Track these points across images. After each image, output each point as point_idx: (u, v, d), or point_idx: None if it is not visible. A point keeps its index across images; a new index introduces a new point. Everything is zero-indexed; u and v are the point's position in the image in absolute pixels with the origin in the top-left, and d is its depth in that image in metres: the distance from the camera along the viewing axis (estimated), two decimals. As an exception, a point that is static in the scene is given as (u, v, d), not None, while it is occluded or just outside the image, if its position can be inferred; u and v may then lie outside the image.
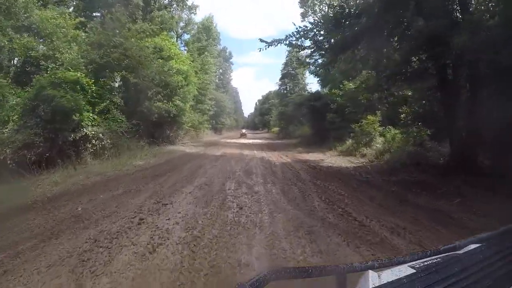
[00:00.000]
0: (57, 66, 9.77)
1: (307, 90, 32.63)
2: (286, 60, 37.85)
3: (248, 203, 4.56)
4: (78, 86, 8.38)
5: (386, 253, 2.98)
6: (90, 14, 17.78)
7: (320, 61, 12.72)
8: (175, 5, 21.89)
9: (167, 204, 4.59)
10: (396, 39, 6.58)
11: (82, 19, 12.57)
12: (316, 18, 7.38)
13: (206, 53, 27.43)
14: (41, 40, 11.49)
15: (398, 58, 7.68)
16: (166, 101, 14.52)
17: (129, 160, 9.75)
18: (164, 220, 3.87)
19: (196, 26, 28.17)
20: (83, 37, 11.52)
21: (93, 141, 9.14)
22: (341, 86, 15.22)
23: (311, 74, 22.71)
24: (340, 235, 3.47)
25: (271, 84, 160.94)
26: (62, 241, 3.54)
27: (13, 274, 2.67)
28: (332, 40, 6.38)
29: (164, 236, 3.30)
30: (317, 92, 21.25)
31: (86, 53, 10.88)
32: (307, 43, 6.57)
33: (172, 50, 16.12)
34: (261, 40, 6.53)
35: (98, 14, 16.54)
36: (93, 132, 9.06)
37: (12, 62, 11.70)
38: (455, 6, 6.03)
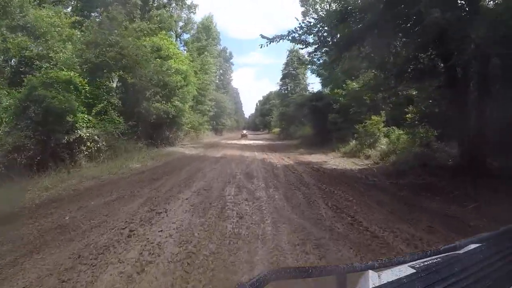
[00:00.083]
0: (51, 66, 9.45)
1: (308, 90, 32.27)
2: (287, 60, 37.52)
3: (249, 211, 4.20)
4: (71, 86, 8.04)
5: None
6: (88, 14, 17.55)
7: (322, 60, 12.42)
8: (174, 4, 21.59)
9: (161, 212, 4.24)
10: (403, 34, 6.20)
11: (78, 17, 12.25)
12: (317, 17, 6.95)
13: (206, 53, 27.11)
14: (37, 39, 11.21)
15: (405, 55, 7.36)
16: (164, 102, 14.19)
17: (126, 162, 9.40)
18: (156, 232, 3.51)
19: (195, 26, 27.87)
20: (78, 36, 11.18)
21: (88, 143, 8.80)
22: (344, 85, 14.84)
23: (313, 73, 22.34)
24: (351, 248, 3.12)
25: (271, 84, 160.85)
26: (44, 255, 3.21)
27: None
28: (338, 35, 6.02)
29: (155, 252, 2.94)
30: (319, 92, 20.88)
31: (81, 52, 10.55)
32: (311, 39, 6.24)
33: (171, 50, 15.78)
34: (262, 36, 6.18)
35: (97, 13, 16.22)
36: (87, 134, 8.72)
37: (9, 62, 11.43)
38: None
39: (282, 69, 38.38)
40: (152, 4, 18.79)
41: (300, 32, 6.22)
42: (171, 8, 21.24)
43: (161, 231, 3.51)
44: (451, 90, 7.57)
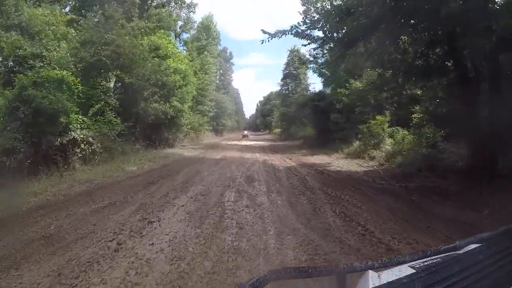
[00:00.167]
0: (44, 65, 9.12)
1: (309, 90, 31.89)
2: (288, 59, 37.13)
3: (250, 220, 3.83)
4: (64, 86, 7.69)
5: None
6: (86, 13, 17.23)
7: (325, 57, 12.04)
8: (173, 3, 21.26)
9: (153, 221, 3.87)
10: (413, 30, 5.84)
11: (74, 16, 11.93)
12: (323, 11, 6.58)
13: (205, 52, 26.76)
14: (32, 38, 10.90)
15: (413, 51, 7.00)
16: (163, 102, 13.83)
17: (122, 165, 9.05)
18: (146, 245, 3.15)
19: (195, 25, 27.54)
20: (73, 34, 10.84)
21: (82, 146, 8.45)
22: (347, 85, 14.47)
23: (315, 72, 21.96)
24: (366, 265, 2.73)
25: (272, 85, 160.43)
26: (22, 272, 2.87)
27: None
28: (343, 31, 5.66)
29: (143, 271, 2.58)
30: (321, 92, 20.51)
31: (76, 51, 10.22)
32: (315, 34, 5.88)
33: (169, 49, 15.42)
34: (264, 31, 5.84)
35: (93, 13, 15.87)
36: (81, 136, 8.37)
37: (3, 62, 11.12)
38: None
39: (282, 69, 38.00)
40: (150, 3, 18.45)
41: (303, 28, 5.87)
42: (170, 7, 20.91)
43: (152, 244, 3.14)
44: (461, 88, 7.24)
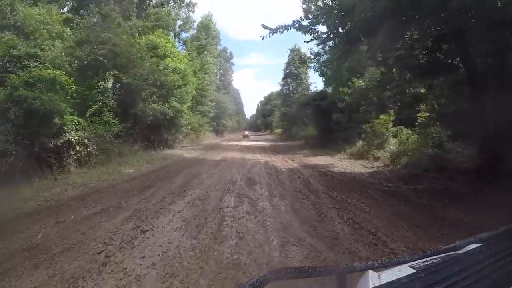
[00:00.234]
0: (38, 65, 8.84)
1: (310, 89, 31.57)
2: (288, 59, 36.83)
3: (251, 229, 3.53)
4: (57, 86, 7.40)
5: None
6: (83, 13, 16.98)
7: (326, 56, 11.74)
8: (172, 3, 20.98)
9: (147, 230, 3.58)
10: (422, 24, 5.53)
11: (70, 15, 11.66)
12: (322, 10, 6.27)
13: (205, 52, 26.48)
14: (28, 38, 10.65)
15: (420, 48, 6.71)
16: (161, 102, 13.53)
17: (119, 167, 8.76)
18: (137, 258, 2.86)
19: (195, 25, 27.25)
20: (69, 33, 10.56)
21: (77, 148, 8.17)
22: (349, 83, 14.17)
23: (316, 71, 21.62)
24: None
25: (272, 85, 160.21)
26: (0, 289, 2.59)
27: None
28: (348, 25, 5.36)
29: (130, 291, 2.29)
30: (323, 91, 20.20)
31: (72, 50, 9.94)
32: (318, 29, 5.58)
33: (168, 48, 15.13)
34: (264, 27, 5.52)
35: (88, 12, 15.60)
36: (76, 138, 8.09)
37: (2, 62, 10.87)
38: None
39: (283, 68, 37.70)
40: (149, 2, 18.18)
41: (306, 23, 5.57)
42: (169, 7, 20.62)
43: (143, 257, 2.85)
44: (469, 86, 6.96)
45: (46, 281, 2.66)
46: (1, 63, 10.40)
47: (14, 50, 9.79)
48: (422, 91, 9.61)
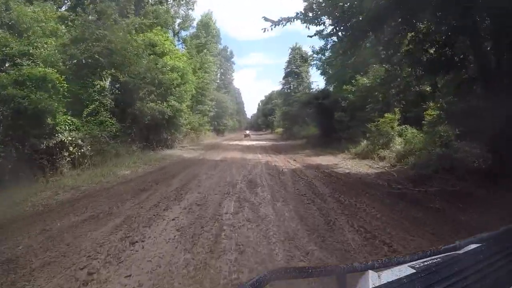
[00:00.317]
0: (30, 64, 8.50)
1: (311, 88, 31.15)
2: (289, 57, 36.43)
3: (253, 240, 3.17)
4: (49, 85, 7.05)
5: None
6: (81, 11, 16.64)
7: (330, 51, 11.33)
8: (171, 0, 20.59)
9: (136, 242, 3.23)
10: (436, 14, 5.15)
11: (64, 12, 11.31)
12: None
13: (205, 50, 26.10)
14: (22, 36, 10.32)
15: (431, 42, 6.33)
16: (160, 101, 13.16)
17: (114, 169, 8.42)
18: (122, 276, 2.50)
19: (194, 23, 26.85)
20: (63, 31, 10.21)
21: (71, 148, 7.83)
22: (353, 81, 13.78)
23: (318, 69, 21.19)
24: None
25: (273, 84, 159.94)
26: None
27: None
28: (356, 16, 4.98)
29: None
30: (325, 89, 19.81)
31: (66, 48, 9.59)
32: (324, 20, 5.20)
33: (166, 46, 14.76)
34: (266, 19, 5.15)
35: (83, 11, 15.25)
36: (69, 138, 7.75)
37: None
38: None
39: (284, 67, 37.30)
40: (147, 0, 17.81)
41: (311, 15, 5.19)
42: (167, 4, 20.23)
43: (129, 276, 2.49)
44: (483, 82, 6.60)
45: (18, 304, 2.32)
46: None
47: (7, 49, 9.47)
48: (428, 89, 9.25)
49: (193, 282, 2.33)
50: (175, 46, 18.43)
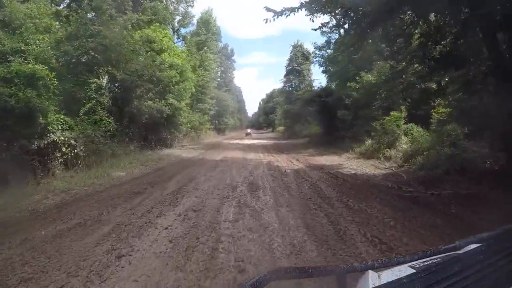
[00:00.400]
0: (23, 61, 8.15)
1: (313, 86, 30.70)
2: (291, 55, 35.98)
3: (254, 255, 2.80)
4: (39, 82, 6.70)
5: None
6: (78, 8, 16.30)
7: (331, 48, 10.92)
8: (170, -3, 20.21)
9: (123, 255, 2.87)
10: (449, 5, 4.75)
11: (58, 8, 10.95)
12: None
13: (205, 48, 25.68)
14: (15, 32, 9.99)
15: (443, 35, 5.94)
16: (158, 100, 12.79)
17: (109, 170, 8.08)
18: (103, 301, 2.15)
19: (194, 20, 26.41)
20: (57, 27, 9.85)
21: (63, 149, 7.49)
22: (357, 78, 13.38)
23: (321, 66, 20.76)
24: None
25: (274, 83, 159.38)
26: None
27: None
28: (369, 8, 4.59)
29: None
30: (328, 87, 19.39)
31: (61, 44, 9.23)
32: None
33: (165, 42, 14.38)
34: (268, 9, 4.76)
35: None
36: (62, 138, 7.41)
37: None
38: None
39: (285, 65, 36.87)
40: (146, -4, 17.41)
41: (316, 5, 4.80)
42: (167, 1, 19.82)
43: (110, 301, 2.14)
44: (496, 77, 6.22)
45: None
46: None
47: (-1, 46, 9.14)
48: (434, 86, 8.85)
49: (183, 310, 1.97)
50: (174, 43, 18.03)
